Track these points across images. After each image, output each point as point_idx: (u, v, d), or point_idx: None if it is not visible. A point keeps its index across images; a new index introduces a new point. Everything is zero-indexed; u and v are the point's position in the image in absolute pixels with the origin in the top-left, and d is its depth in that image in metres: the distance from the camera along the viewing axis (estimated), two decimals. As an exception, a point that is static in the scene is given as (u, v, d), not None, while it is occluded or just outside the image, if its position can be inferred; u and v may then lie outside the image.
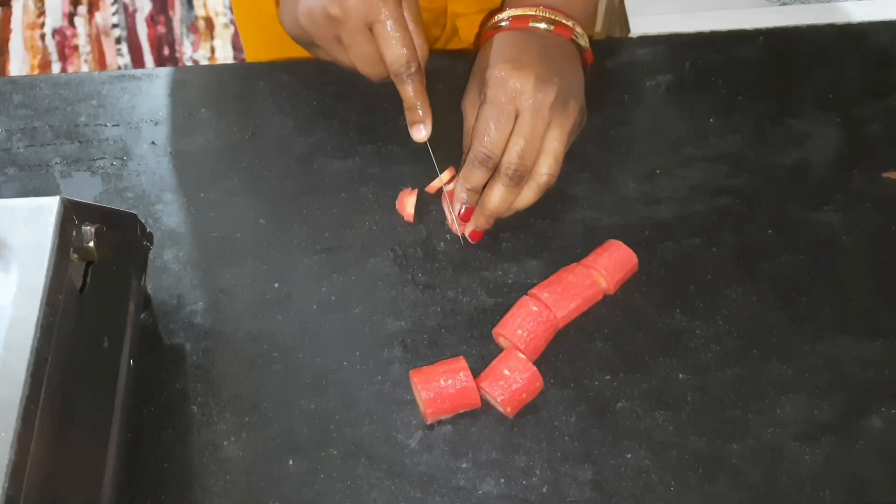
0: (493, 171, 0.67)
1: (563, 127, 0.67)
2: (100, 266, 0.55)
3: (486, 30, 0.73)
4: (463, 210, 0.68)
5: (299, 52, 0.82)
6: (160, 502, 0.60)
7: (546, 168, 0.67)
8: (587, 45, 0.73)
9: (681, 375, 0.65)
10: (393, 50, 0.65)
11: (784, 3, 1.02)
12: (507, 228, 0.71)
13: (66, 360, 0.51)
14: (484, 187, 0.68)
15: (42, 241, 0.51)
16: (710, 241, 0.71)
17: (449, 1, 0.90)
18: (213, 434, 0.62)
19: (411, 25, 0.67)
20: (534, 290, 0.67)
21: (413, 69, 0.67)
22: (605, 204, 0.73)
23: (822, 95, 0.79)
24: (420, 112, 0.69)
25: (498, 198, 0.67)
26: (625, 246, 0.68)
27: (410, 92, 0.68)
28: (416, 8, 0.68)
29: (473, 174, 0.67)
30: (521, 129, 0.66)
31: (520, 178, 0.67)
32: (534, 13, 0.71)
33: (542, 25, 0.70)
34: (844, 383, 0.65)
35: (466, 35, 0.92)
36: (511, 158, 0.66)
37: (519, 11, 0.71)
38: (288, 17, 0.69)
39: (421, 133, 0.70)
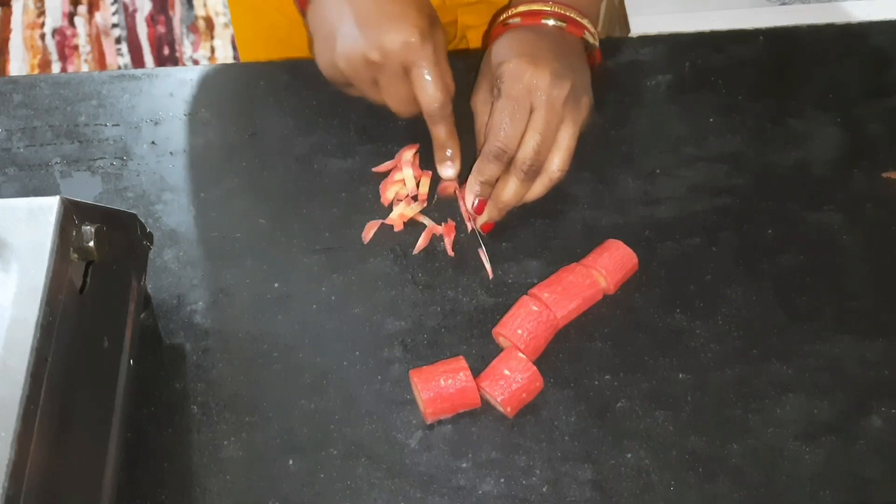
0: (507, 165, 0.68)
1: (575, 123, 0.68)
2: (100, 266, 0.55)
3: (496, 26, 0.73)
4: (476, 202, 0.69)
5: (298, 52, 0.83)
6: (160, 502, 0.60)
7: (558, 164, 0.68)
8: (597, 44, 0.74)
9: (681, 375, 0.65)
10: (429, 93, 0.67)
11: (784, 3, 1.02)
12: (507, 228, 0.71)
13: (66, 360, 0.51)
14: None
15: (42, 241, 0.51)
16: (710, 241, 0.71)
17: (459, 14, 0.90)
18: (213, 434, 0.62)
19: (442, 65, 0.67)
20: (534, 290, 0.67)
21: (447, 111, 0.68)
22: (605, 204, 0.73)
23: (822, 95, 0.79)
24: (449, 152, 0.70)
25: (511, 191, 0.68)
26: (625, 246, 0.68)
27: (443, 132, 0.69)
28: (445, 48, 0.69)
29: (488, 167, 0.67)
30: (536, 125, 0.66)
31: (534, 174, 0.68)
32: (548, 9, 0.71)
33: (552, 22, 0.71)
34: (844, 383, 0.65)
35: (475, 45, 0.92)
36: (526, 154, 0.66)
37: (535, 7, 0.71)
38: (324, 59, 0.69)
39: (449, 171, 0.71)
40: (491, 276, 0.69)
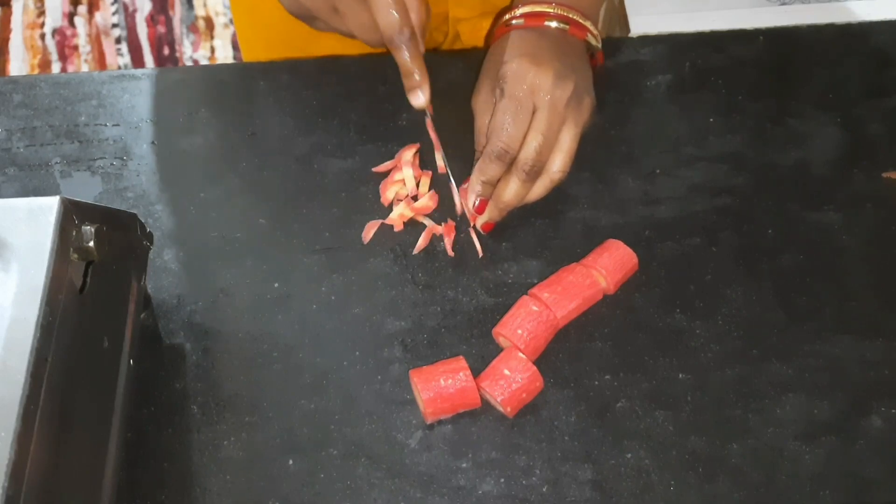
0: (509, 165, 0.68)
1: (577, 124, 0.68)
2: (100, 266, 0.55)
3: (498, 27, 0.73)
4: (477, 202, 0.69)
5: (298, 52, 0.83)
6: (160, 502, 0.60)
7: (560, 165, 0.68)
8: (599, 46, 0.74)
9: (681, 375, 0.65)
10: (385, 17, 0.64)
11: (784, 3, 1.02)
12: (507, 228, 0.71)
13: (66, 360, 0.51)
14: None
15: (42, 241, 0.51)
16: (710, 241, 0.71)
17: (451, 6, 0.90)
18: (213, 434, 0.62)
19: None
20: (534, 290, 0.67)
21: (406, 35, 0.65)
22: (605, 204, 0.73)
23: (822, 95, 0.79)
24: (417, 77, 0.67)
25: (513, 191, 0.68)
26: (625, 246, 0.68)
27: (406, 57, 0.66)
28: None
29: (490, 168, 0.67)
30: (538, 126, 0.66)
31: (536, 174, 0.68)
32: (550, 10, 0.71)
33: (555, 24, 0.71)
34: (844, 383, 0.65)
35: (469, 40, 0.92)
36: (528, 154, 0.66)
37: (538, 8, 0.71)
38: None
39: (419, 99, 0.67)
40: (481, 254, 0.69)
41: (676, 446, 0.62)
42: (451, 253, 0.70)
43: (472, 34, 0.90)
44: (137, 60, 1.96)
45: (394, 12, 0.64)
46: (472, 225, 0.70)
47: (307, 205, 0.72)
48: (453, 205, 0.71)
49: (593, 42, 0.73)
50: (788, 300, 0.68)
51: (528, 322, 0.64)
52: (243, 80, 0.80)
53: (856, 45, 0.82)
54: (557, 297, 0.66)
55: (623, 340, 0.66)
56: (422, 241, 0.70)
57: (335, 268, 0.69)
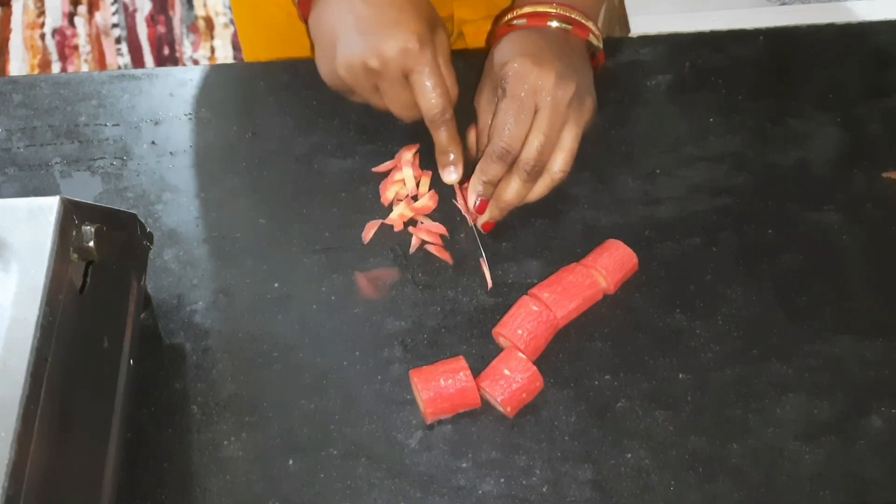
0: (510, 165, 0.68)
1: (578, 124, 0.68)
2: (100, 266, 0.55)
3: (500, 27, 0.73)
4: (478, 202, 0.69)
5: (298, 52, 0.83)
6: (160, 502, 0.60)
7: (561, 165, 0.68)
8: (601, 46, 0.74)
9: (681, 375, 0.65)
10: (428, 99, 0.67)
11: (784, 3, 1.02)
12: (507, 228, 0.71)
13: (66, 360, 0.51)
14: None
15: (42, 241, 0.51)
16: (710, 241, 0.71)
17: (455, 7, 0.91)
18: (213, 434, 0.62)
19: (444, 69, 0.68)
20: (534, 290, 0.67)
21: (447, 116, 0.68)
22: (605, 204, 0.73)
23: (822, 95, 0.79)
24: (452, 156, 0.70)
25: (514, 191, 0.68)
26: (625, 246, 0.68)
27: (444, 137, 0.69)
28: (447, 51, 0.69)
29: (491, 167, 0.67)
30: (540, 126, 0.66)
31: (537, 174, 0.68)
32: (552, 11, 0.71)
33: (557, 24, 0.71)
34: (844, 383, 0.65)
35: (473, 41, 0.92)
36: (530, 154, 0.67)
37: (540, 8, 0.71)
38: (326, 68, 0.70)
39: (452, 176, 0.71)
40: (490, 286, 0.69)
41: (676, 446, 0.62)
42: (443, 257, 0.69)
43: (477, 36, 0.90)
44: (137, 60, 1.96)
45: (437, 95, 0.67)
46: (482, 256, 0.69)
47: (307, 205, 0.72)
48: (453, 205, 0.71)
49: (595, 42, 0.73)
50: (788, 300, 0.68)
51: (528, 322, 0.64)
52: (243, 80, 0.81)
53: (856, 45, 0.82)
54: (557, 297, 0.66)
55: (623, 340, 0.66)
56: (415, 242, 0.70)
57: (335, 268, 0.69)
